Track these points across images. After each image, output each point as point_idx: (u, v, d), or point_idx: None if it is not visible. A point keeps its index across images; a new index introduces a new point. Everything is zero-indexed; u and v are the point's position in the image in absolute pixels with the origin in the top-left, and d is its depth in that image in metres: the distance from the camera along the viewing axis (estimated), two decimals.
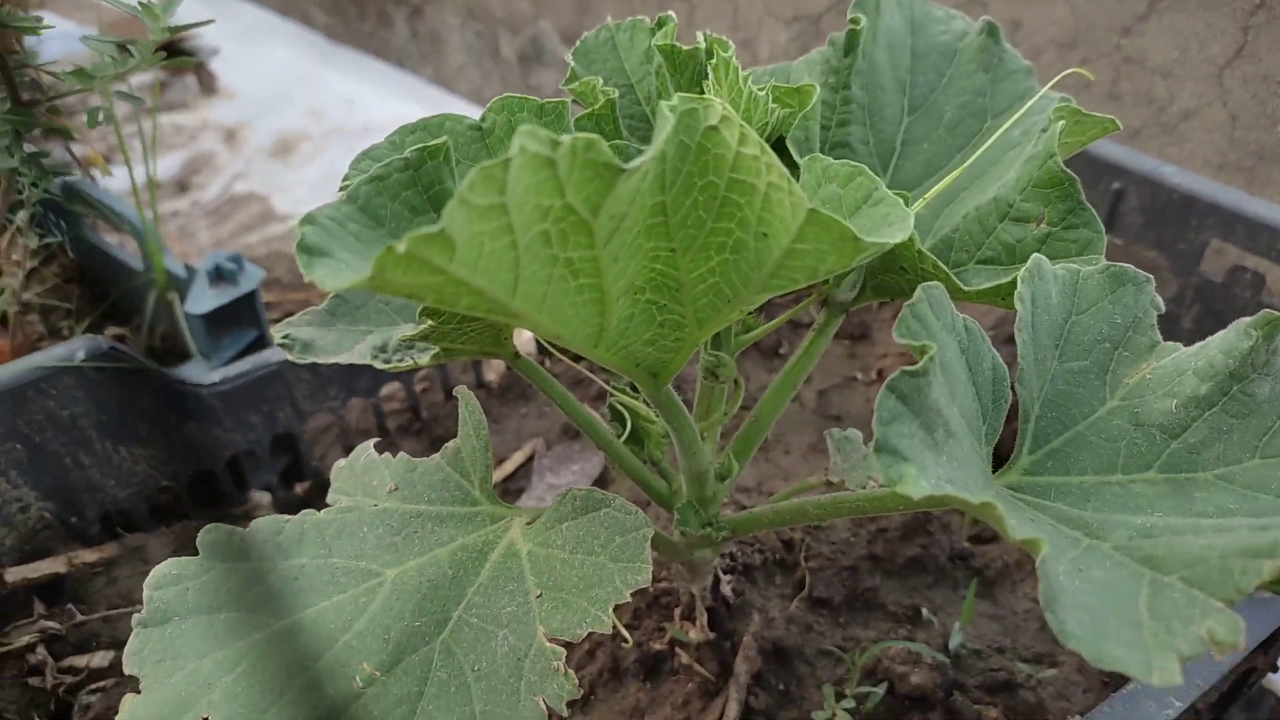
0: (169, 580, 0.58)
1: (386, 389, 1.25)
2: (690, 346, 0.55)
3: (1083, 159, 1.07)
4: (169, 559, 0.58)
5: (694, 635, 0.81)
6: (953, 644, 0.78)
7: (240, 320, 1.14)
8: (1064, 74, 0.69)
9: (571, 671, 0.52)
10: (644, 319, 0.52)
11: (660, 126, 0.42)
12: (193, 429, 1.02)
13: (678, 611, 0.83)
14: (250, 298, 1.12)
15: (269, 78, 2.83)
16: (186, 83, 2.82)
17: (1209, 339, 0.53)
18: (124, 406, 0.98)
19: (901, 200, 0.49)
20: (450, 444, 0.64)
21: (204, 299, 1.09)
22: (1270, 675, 1.11)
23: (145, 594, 0.57)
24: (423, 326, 0.63)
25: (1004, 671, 0.77)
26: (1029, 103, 0.68)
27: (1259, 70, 1.08)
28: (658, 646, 0.82)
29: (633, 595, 0.88)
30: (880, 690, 0.75)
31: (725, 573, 0.86)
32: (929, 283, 0.49)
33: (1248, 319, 0.52)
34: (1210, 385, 0.52)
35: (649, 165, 0.42)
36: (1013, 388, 0.54)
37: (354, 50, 2.92)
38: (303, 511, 0.62)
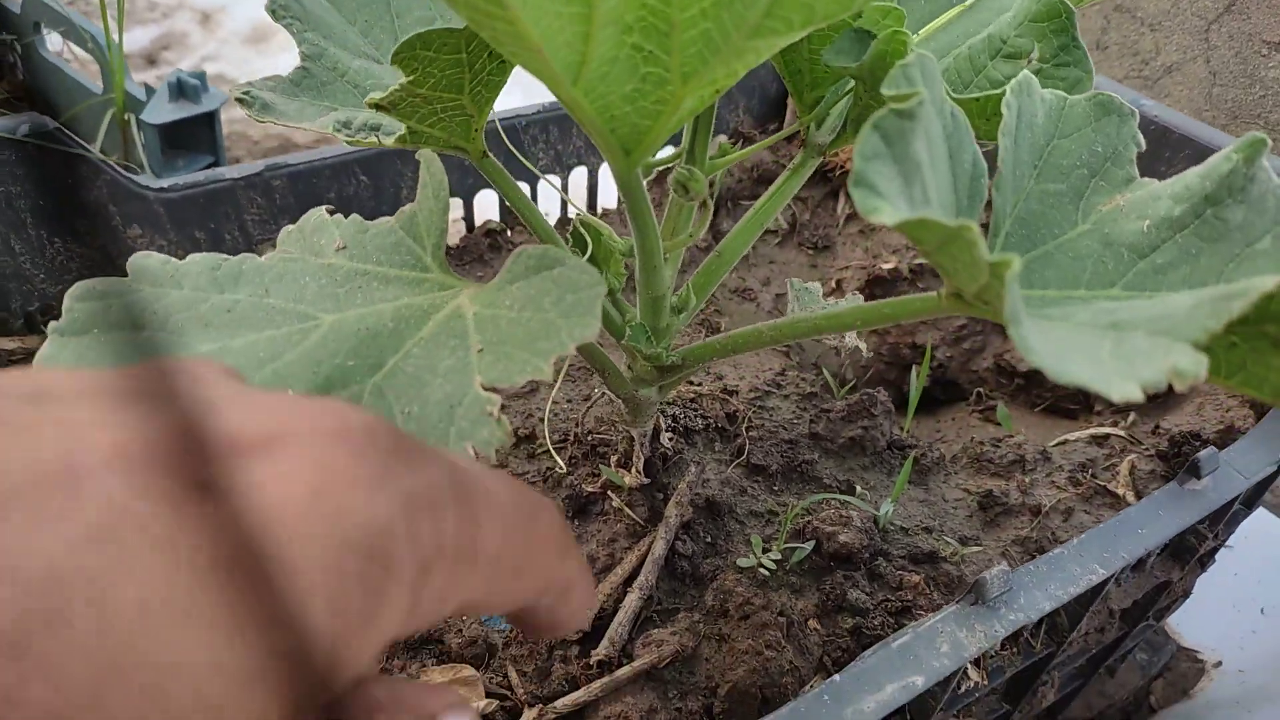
0: (93, 295, 0.54)
1: None
2: (671, 113, 0.53)
3: None
4: (96, 277, 0.55)
5: (628, 480, 0.79)
6: (882, 512, 0.77)
7: (198, 143, 1.10)
8: None
9: (505, 419, 0.50)
10: (627, 66, 0.50)
11: None
12: (133, 235, 0.98)
13: (615, 459, 0.82)
14: (210, 119, 1.08)
15: None
16: None
17: (1191, 169, 0.53)
18: (65, 196, 0.94)
19: None
20: (406, 208, 0.62)
21: (162, 111, 1.05)
22: (1169, 621, 1.13)
23: (65, 304, 0.53)
24: (393, 88, 0.61)
25: (929, 547, 0.77)
26: None
27: (1245, 27, 1.10)
28: (590, 489, 0.80)
29: (572, 444, 0.87)
30: (807, 547, 0.75)
31: (667, 430, 0.85)
32: (922, 53, 0.48)
33: (1231, 144, 0.51)
34: (1184, 207, 0.51)
35: None
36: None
37: None
38: (242, 254, 0.60)
